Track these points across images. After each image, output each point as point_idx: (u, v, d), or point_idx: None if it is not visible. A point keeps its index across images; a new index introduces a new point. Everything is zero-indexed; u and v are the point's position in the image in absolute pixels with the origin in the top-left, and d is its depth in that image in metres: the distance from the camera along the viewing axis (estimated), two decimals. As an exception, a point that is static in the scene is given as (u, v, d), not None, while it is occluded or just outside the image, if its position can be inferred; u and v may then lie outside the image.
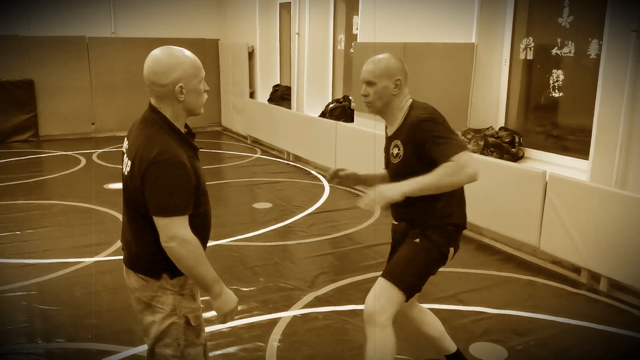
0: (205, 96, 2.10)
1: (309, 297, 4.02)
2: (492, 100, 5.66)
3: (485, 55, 5.49)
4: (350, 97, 7.61)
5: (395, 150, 2.59)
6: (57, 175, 7.38)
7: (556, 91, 5.20)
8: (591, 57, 4.79)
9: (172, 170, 1.91)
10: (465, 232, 5.39)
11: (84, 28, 10.12)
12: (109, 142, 9.57)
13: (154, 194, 1.92)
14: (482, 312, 3.84)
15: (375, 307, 2.53)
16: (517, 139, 5.34)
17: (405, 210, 2.63)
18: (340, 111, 7.62)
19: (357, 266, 4.60)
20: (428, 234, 2.59)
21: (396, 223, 2.78)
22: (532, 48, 5.36)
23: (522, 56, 5.46)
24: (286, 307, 3.83)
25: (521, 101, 5.59)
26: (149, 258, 2.04)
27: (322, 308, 3.85)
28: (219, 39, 11.14)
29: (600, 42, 4.53)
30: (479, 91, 5.55)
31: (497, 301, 3.99)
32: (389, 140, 2.66)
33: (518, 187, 4.77)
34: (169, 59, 1.97)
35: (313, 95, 8.58)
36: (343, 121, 7.47)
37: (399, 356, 3.05)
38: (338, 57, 8.50)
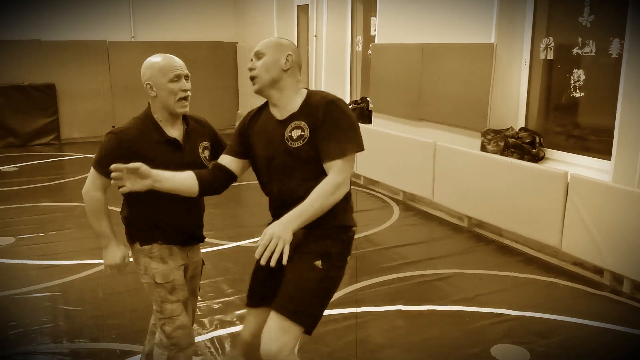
0: (181, 94, 2.40)
1: (328, 298, 4.02)
2: (512, 100, 5.62)
3: (504, 56, 5.46)
4: (368, 99, 7.60)
5: (297, 132, 2.24)
6: (78, 177, 7.48)
7: (577, 91, 5.15)
8: (613, 56, 4.74)
9: (106, 140, 2.42)
10: (485, 233, 5.44)
11: (104, 32, 10.26)
12: (129, 144, 9.65)
13: None
14: (503, 314, 3.81)
15: (272, 349, 2.13)
16: (537, 140, 5.29)
17: (295, 201, 2.21)
18: (359, 112, 7.62)
19: (376, 268, 4.60)
20: (329, 250, 2.27)
21: None
22: (552, 48, 5.31)
23: (542, 56, 5.41)
24: (306, 309, 3.84)
25: (541, 101, 5.54)
26: (125, 229, 2.55)
27: (342, 310, 3.85)
28: (237, 42, 11.21)
29: (622, 41, 4.47)
30: (498, 92, 5.51)
31: (518, 303, 3.96)
32: (283, 123, 2.28)
33: (539, 188, 4.73)
34: (144, 63, 2.45)
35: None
36: (361, 122, 7.46)
37: None
38: (356, 58, 8.50)
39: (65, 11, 10.00)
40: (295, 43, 9.86)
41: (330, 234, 2.28)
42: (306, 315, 2.20)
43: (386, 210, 6.25)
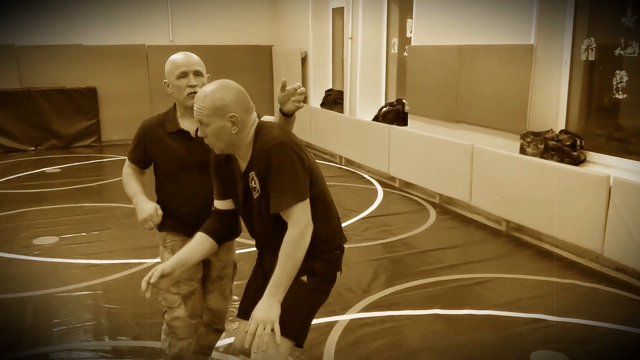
0: (188, 90, 2.58)
1: (365, 301, 4.02)
2: (552, 102, 5.52)
3: (544, 57, 5.36)
4: (404, 101, 7.57)
5: (253, 184, 2.25)
6: (118, 179, 7.65)
7: (619, 92, 5.03)
8: (657, 57, 4.62)
9: (138, 130, 2.76)
10: (524, 237, 5.36)
11: (143, 37, 10.48)
12: (167, 147, 9.83)
13: None
14: (543, 319, 3.75)
15: None
16: (578, 142, 5.19)
17: (276, 242, 2.18)
18: (394, 115, 7.59)
19: (413, 271, 4.57)
20: (315, 269, 2.27)
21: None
22: (593, 49, 5.20)
23: (583, 57, 5.31)
24: (342, 311, 3.85)
25: (582, 103, 5.43)
26: None
27: (378, 312, 3.84)
28: (272, 46, 11.30)
29: (668, 42, 4.36)
30: (538, 94, 5.42)
31: (559, 308, 3.89)
32: (244, 175, 2.28)
33: (580, 191, 4.63)
34: None
35: (366, 99, 8.58)
36: (396, 124, 7.44)
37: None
38: (391, 60, 8.48)
39: (106, 17, 10.25)
40: (330, 46, 9.91)
41: (315, 255, 2.26)
42: (294, 330, 2.21)
43: (422, 213, 6.21)
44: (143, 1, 10.46)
